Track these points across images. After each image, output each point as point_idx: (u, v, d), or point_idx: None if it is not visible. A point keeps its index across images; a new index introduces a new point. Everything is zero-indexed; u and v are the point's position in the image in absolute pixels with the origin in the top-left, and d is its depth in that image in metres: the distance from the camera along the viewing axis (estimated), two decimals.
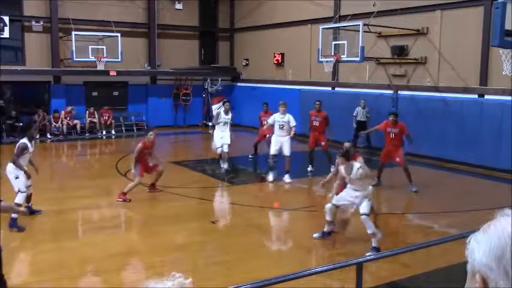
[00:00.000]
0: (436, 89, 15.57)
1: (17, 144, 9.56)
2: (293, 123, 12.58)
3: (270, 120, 12.96)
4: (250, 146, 15.82)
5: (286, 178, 12.62)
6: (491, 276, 1.08)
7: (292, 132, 12.55)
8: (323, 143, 13.46)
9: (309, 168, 13.76)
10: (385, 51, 16.79)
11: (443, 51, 15.39)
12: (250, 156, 15.62)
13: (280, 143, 12.66)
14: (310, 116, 13.73)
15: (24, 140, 9.53)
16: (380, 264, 6.35)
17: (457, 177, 13.52)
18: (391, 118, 11.72)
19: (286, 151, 12.62)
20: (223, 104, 14.70)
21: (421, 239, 8.08)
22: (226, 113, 13.83)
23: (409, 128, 14.04)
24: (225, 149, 13.61)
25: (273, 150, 12.73)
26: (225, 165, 13.65)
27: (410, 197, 12.00)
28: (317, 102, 13.63)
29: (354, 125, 17.02)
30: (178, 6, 23.62)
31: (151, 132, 10.97)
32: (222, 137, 13.65)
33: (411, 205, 11.45)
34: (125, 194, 10.59)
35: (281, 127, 12.65)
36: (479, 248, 1.12)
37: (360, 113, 17.18)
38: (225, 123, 13.71)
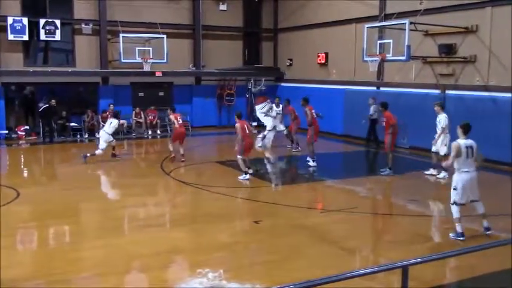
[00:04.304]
0: (486, 88, 15.10)
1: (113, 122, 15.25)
2: (442, 123, 12.71)
3: None
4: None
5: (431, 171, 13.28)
6: None
7: (439, 133, 12.79)
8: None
9: (288, 146, 17.47)
10: (432, 49, 16.41)
11: (493, 49, 14.91)
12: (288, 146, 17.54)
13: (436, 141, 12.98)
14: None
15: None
16: (426, 268, 6.21)
17: (507, 179, 13.06)
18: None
19: (440, 150, 12.92)
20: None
21: (469, 242, 7.86)
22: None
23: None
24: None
25: (434, 148, 13.12)
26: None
27: None
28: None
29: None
30: (223, 7, 23.82)
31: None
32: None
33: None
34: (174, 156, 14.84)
35: (436, 127, 12.91)
36: None
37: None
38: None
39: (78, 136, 20.32)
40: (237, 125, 12.83)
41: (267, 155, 15.87)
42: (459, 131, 8.31)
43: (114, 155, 15.49)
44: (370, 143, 18.18)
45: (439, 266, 6.63)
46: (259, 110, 17.65)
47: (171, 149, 14.95)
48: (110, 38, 21.38)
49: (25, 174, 14.68)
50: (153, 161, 15.56)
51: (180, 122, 15.15)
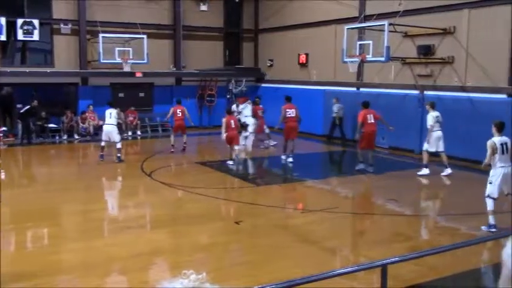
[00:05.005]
0: (463, 89, 15.33)
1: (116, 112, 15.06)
2: (429, 121, 13.06)
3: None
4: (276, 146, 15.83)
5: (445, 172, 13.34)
6: None
7: (430, 131, 13.11)
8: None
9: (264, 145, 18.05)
10: (411, 50, 16.60)
11: (470, 51, 15.14)
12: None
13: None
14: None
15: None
16: (405, 266, 6.29)
17: (485, 178, 13.25)
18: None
19: (423, 146, 13.46)
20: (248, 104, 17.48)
21: (447, 241, 7.98)
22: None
23: None
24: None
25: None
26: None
27: (438, 198, 11.86)
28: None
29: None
30: (203, 7, 23.77)
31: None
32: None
33: (438, 206, 11.30)
34: (173, 145, 16.63)
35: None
36: None
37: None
38: None
39: (57, 137, 20.07)
40: (224, 119, 14.49)
41: (243, 154, 15.87)
42: (493, 129, 8.67)
43: (102, 156, 15.19)
44: (331, 140, 19.22)
45: (418, 264, 6.70)
46: (241, 110, 17.68)
47: (172, 139, 16.92)
48: (90, 38, 21.18)
49: (3, 176, 14.45)
50: (133, 162, 15.44)
51: (179, 115, 16.63)
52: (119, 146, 14.97)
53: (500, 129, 8.63)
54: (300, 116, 15.26)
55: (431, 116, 13.02)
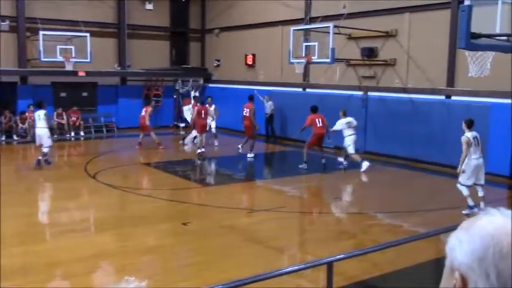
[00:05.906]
0: (404, 90, 15.82)
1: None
2: (334, 127, 14.02)
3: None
4: (223, 147, 15.79)
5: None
6: (471, 277, 1.05)
7: (331, 129, 14.13)
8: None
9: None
10: (355, 52, 16.97)
11: (411, 53, 15.65)
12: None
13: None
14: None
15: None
16: (350, 264, 6.41)
17: (425, 176, 13.76)
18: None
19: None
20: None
21: (390, 238, 8.19)
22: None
23: (379, 128, 14.43)
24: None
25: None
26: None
27: (380, 196, 12.17)
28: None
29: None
30: (149, 6, 23.41)
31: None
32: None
33: (381, 204, 11.59)
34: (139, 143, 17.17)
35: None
36: (461, 247, 1.08)
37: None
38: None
39: None
40: (196, 108, 16.05)
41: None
42: (464, 125, 9.60)
43: (47, 161, 14.18)
44: (269, 138, 19.59)
45: (363, 261, 6.85)
46: (187, 110, 17.58)
47: (140, 137, 17.55)
48: (29, 35, 20.41)
49: None
50: (76, 164, 15.02)
51: (142, 114, 17.78)
52: (45, 150, 13.84)
53: (470, 125, 9.51)
54: (252, 116, 15.34)
55: (340, 123, 13.88)
